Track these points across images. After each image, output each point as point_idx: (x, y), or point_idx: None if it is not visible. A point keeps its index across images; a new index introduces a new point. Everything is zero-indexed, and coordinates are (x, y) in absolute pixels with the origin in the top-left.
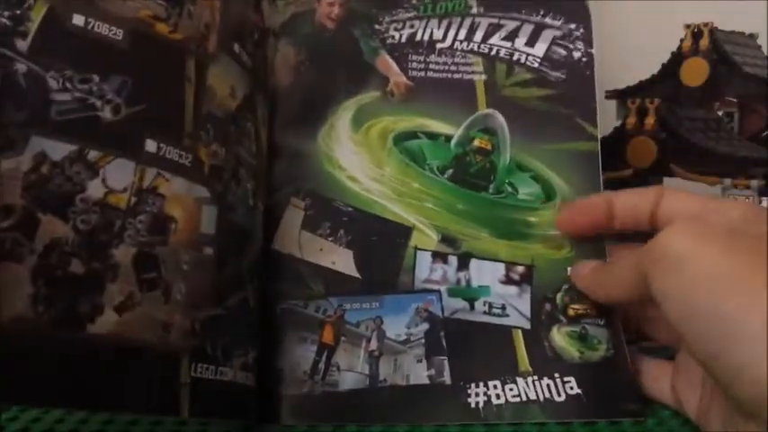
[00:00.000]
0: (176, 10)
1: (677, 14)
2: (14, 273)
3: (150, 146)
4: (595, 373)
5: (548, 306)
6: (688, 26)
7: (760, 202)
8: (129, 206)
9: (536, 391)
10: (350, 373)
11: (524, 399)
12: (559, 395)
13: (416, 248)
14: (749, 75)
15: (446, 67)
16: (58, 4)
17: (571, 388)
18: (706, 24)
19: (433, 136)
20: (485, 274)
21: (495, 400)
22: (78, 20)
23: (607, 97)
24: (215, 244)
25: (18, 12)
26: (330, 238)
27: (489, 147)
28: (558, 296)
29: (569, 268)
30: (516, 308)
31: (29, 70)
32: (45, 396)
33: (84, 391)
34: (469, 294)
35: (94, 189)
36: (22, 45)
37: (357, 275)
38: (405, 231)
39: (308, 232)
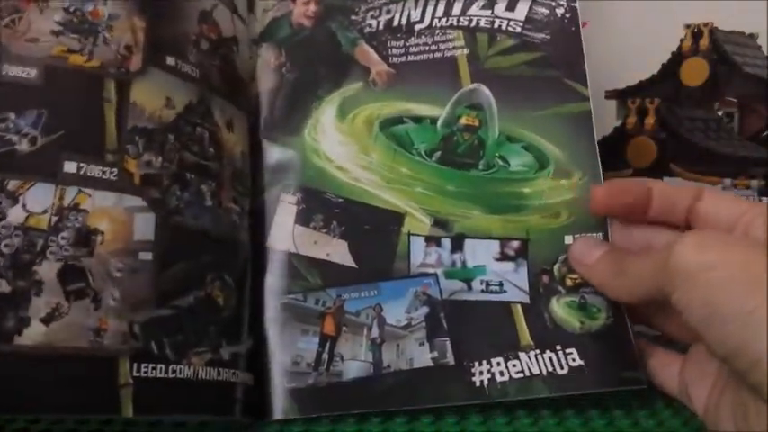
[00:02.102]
0: (90, 40)
1: (677, 14)
2: None
3: (69, 167)
4: (596, 343)
5: (545, 278)
6: (688, 26)
7: (759, 201)
8: (51, 225)
9: (539, 366)
10: (353, 362)
11: (528, 374)
12: (562, 368)
13: (410, 234)
14: (749, 75)
15: (426, 48)
16: None
17: (573, 360)
18: (706, 24)
19: (418, 119)
20: (479, 253)
21: (499, 377)
22: None
23: (607, 97)
24: (154, 248)
25: None
26: (323, 230)
27: (476, 123)
28: (556, 267)
29: (567, 237)
30: (514, 283)
31: None
32: None
33: (15, 396)
34: (466, 275)
35: (15, 215)
36: None
37: (353, 265)
38: (397, 218)
39: (301, 226)
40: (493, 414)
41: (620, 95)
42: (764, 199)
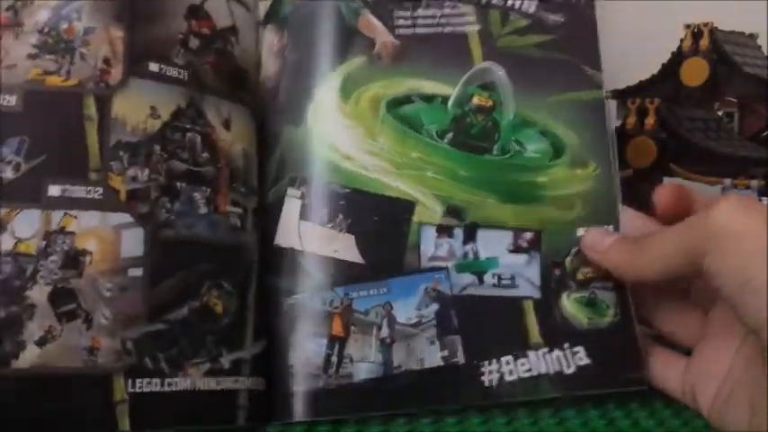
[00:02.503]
0: (67, 58)
1: (677, 14)
2: None
3: (53, 191)
4: (603, 341)
5: (557, 272)
6: (688, 26)
7: (759, 201)
8: (40, 250)
9: (546, 365)
10: (363, 363)
11: (536, 373)
12: (569, 367)
13: (420, 223)
14: (749, 75)
15: (435, 21)
16: None
17: (580, 359)
18: (706, 24)
19: (428, 98)
20: (492, 244)
21: (507, 377)
22: None
23: (606, 97)
24: (144, 264)
25: None
26: (329, 225)
27: (490, 104)
28: (568, 260)
29: (579, 230)
30: (525, 277)
31: None
32: None
33: (15, 419)
34: (478, 268)
35: (5, 242)
36: None
37: (361, 261)
38: (407, 207)
39: (306, 222)
40: (493, 414)
41: (620, 95)
42: (765, 199)
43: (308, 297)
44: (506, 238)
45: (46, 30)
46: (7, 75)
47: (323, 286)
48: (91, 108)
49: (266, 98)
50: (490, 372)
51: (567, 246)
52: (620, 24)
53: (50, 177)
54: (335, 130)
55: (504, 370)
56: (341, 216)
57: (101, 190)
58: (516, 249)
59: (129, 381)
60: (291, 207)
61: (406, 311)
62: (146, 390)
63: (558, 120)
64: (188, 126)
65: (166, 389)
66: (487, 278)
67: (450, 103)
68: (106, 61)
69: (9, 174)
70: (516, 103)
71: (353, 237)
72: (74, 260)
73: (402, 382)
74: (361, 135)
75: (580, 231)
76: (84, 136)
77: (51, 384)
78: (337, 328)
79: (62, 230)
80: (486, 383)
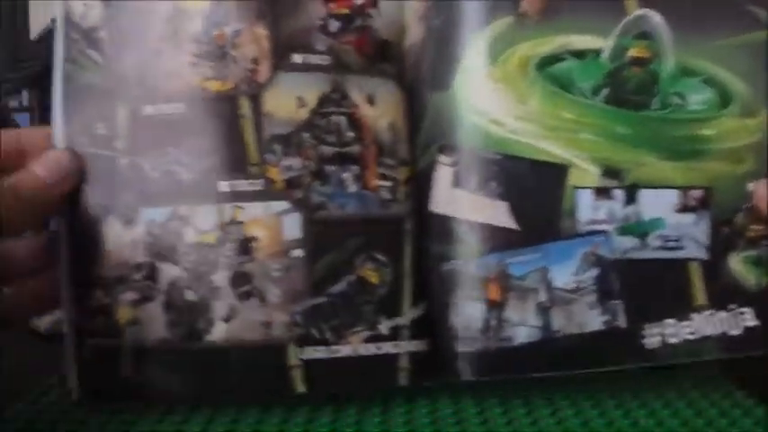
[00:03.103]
0: (222, 63)
1: None
2: (152, 309)
3: (223, 187)
4: None
5: (725, 230)
6: None
7: None
8: (218, 240)
9: (712, 327)
10: (522, 327)
11: (699, 336)
12: (735, 328)
13: (575, 187)
14: None
15: None
16: (133, 103)
17: (747, 320)
18: None
19: (580, 54)
20: (656, 204)
21: (670, 340)
22: (149, 109)
23: None
24: (304, 245)
25: (111, 121)
26: (481, 192)
27: (647, 54)
28: (738, 217)
29: (750, 185)
30: (693, 237)
31: (128, 162)
32: (184, 392)
33: (210, 385)
34: (641, 230)
35: (189, 235)
36: (119, 144)
37: (515, 227)
38: (560, 171)
39: (458, 189)
40: (493, 414)
41: None
42: None
43: (463, 263)
44: (672, 197)
45: (200, 38)
46: (174, 84)
47: (477, 252)
48: (245, 107)
49: (413, 65)
50: (652, 335)
51: (737, 202)
52: None
53: (219, 175)
54: (483, 95)
55: (666, 332)
56: (493, 183)
57: (261, 181)
58: (683, 209)
59: (300, 349)
60: (443, 174)
61: (563, 277)
62: (314, 356)
63: (724, 66)
64: (333, 110)
65: (332, 355)
66: (651, 240)
67: (603, 56)
68: (254, 61)
69: (186, 174)
70: (677, 52)
71: (506, 204)
72: (245, 247)
73: (562, 346)
74: (509, 99)
75: (751, 186)
76: (242, 134)
77: (237, 354)
78: (494, 294)
79: (233, 221)
80: (648, 346)
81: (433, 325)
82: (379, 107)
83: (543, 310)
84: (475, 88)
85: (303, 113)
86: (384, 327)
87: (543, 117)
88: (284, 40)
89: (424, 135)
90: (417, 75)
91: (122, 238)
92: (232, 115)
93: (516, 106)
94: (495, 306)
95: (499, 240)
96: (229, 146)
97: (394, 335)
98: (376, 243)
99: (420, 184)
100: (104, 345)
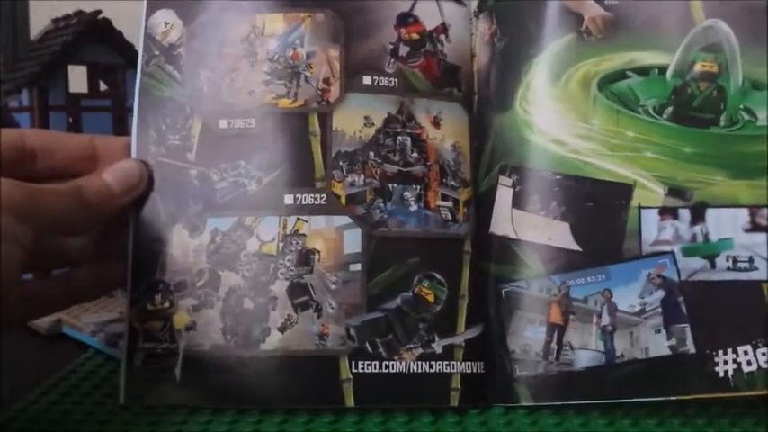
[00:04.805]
0: (294, 82)
1: None
2: (209, 315)
3: (288, 200)
4: None
5: None
6: None
7: None
8: (279, 250)
9: None
10: (584, 351)
11: None
12: None
13: (640, 207)
14: None
15: None
16: (207, 117)
17: None
18: None
19: (643, 71)
20: (725, 224)
21: (746, 367)
22: (222, 123)
23: None
24: (362, 259)
25: (184, 133)
26: (542, 213)
27: (715, 68)
28: None
29: None
30: (766, 258)
31: (198, 173)
32: (234, 398)
33: (261, 392)
34: (709, 251)
35: (252, 245)
36: (191, 156)
37: (577, 248)
38: (624, 190)
39: (518, 210)
40: (493, 413)
41: None
42: None
43: (525, 285)
44: (741, 216)
45: (275, 57)
46: (247, 100)
47: (539, 274)
48: (314, 125)
49: (480, 88)
50: (725, 362)
51: None
52: None
53: (285, 188)
54: (544, 115)
55: (741, 360)
56: (554, 203)
57: (325, 196)
58: (754, 227)
59: (353, 363)
60: (504, 195)
61: (627, 299)
62: (366, 371)
63: None
64: (398, 130)
65: (384, 371)
66: (720, 261)
67: (668, 73)
68: (326, 81)
69: (253, 187)
70: (746, 65)
71: (568, 224)
72: (305, 258)
73: (625, 371)
74: (572, 118)
75: None
76: (310, 150)
77: (290, 364)
78: (555, 316)
79: (295, 233)
80: (721, 374)
81: (491, 347)
82: (443, 129)
83: (606, 333)
84: (536, 108)
85: (369, 132)
86: (438, 345)
87: (605, 136)
88: (355, 62)
89: (486, 156)
90: (484, 96)
91: (187, 245)
92: (301, 132)
93: (577, 125)
94: (556, 329)
95: (561, 262)
96: (297, 161)
97: (447, 354)
98: (434, 262)
99: (481, 205)
100: (158, 349)
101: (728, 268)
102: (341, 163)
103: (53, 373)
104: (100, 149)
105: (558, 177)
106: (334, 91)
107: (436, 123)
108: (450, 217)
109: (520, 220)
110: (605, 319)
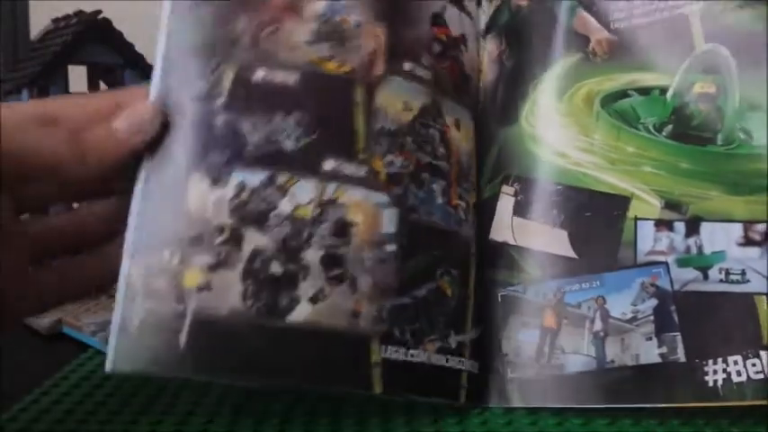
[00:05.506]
0: (342, 48)
1: None
2: (228, 276)
3: (328, 165)
4: None
5: None
6: None
7: None
8: (314, 216)
9: None
10: (575, 355)
11: None
12: None
13: (636, 219)
14: None
15: (653, 8)
16: (241, 65)
17: None
18: None
19: (645, 91)
20: (718, 237)
21: (735, 378)
22: (259, 74)
23: None
24: (397, 241)
25: (213, 78)
26: (543, 221)
27: (713, 90)
28: None
29: None
30: (759, 271)
31: (226, 120)
32: (247, 371)
33: (284, 368)
34: (702, 262)
35: (284, 206)
36: (219, 102)
37: (574, 256)
38: (622, 202)
39: (519, 218)
40: (493, 414)
41: None
42: None
43: (521, 289)
44: (735, 230)
45: (324, 19)
46: (291, 55)
47: (536, 279)
48: (359, 95)
49: (485, 102)
50: (714, 371)
51: None
52: None
53: (325, 152)
54: (549, 129)
55: (731, 370)
56: (554, 212)
57: (365, 169)
58: (747, 242)
59: (383, 346)
60: (505, 203)
61: (620, 306)
62: (393, 357)
63: None
64: (430, 123)
65: (408, 359)
66: (713, 273)
67: (669, 93)
68: (372, 54)
69: (290, 144)
70: (743, 86)
71: (566, 232)
72: (343, 229)
73: (615, 377)
74: (574, 133)
75: None
76: (353, 119)
77: (320, 340)
78: (549, 320)
79: (335, 201)
80: (710, 383)
81: (487, 349)
82: (462, 132)
83: (598, 339)
84: (541, 122)
85: (408, 117)
86: (453, 340)
87: (606, 150)
88: (398, 46)
89: (489, 167)
90: (490, 110)
91: (206, 196)
92: (346, 99)
93: (580, 139)
94: (549, 333)
95: (558, 268)
96: (338, 127)
97: (459, 350)
98: (452, 258)
99: (482, 213)
100: (161, 310)
101: (721, 280)
102: (382, 139)
103: (53, 373)
104: (121, 102)
105: (560, 188)
106: (379, 66)
107: (457, 125)
108: (463, 217)
109: (520, 227)
110: (598, 325)
